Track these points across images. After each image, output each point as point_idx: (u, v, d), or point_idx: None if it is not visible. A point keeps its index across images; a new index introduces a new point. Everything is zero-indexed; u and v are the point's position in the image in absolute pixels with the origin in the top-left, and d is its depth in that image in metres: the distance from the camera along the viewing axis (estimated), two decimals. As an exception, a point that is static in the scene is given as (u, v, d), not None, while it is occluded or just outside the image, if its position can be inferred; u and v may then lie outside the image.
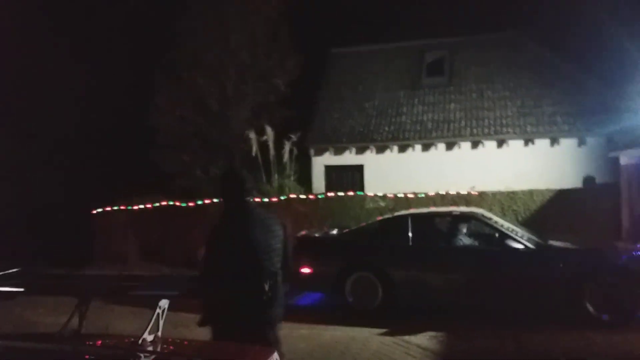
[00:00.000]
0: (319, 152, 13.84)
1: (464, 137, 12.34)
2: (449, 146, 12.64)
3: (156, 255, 11.54)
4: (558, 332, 5.18)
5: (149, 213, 12.44)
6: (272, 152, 13.38)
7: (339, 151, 13.67)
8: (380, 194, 10.71)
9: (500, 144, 12.20)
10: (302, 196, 11.22)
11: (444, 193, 10.42)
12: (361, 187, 13.07)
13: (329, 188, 13.28)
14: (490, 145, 12.31)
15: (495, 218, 6.19)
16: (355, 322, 5.83)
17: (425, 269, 5.81)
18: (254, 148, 13.34)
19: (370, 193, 11.07)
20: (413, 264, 5.89)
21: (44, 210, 15.33)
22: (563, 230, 8.58)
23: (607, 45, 12.92)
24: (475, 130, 12.31)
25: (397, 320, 5.86)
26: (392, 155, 13.12)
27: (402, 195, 10.57)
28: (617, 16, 12.07)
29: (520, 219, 9.86)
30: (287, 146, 13.41)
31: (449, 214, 6.56)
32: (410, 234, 6.00)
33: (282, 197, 11.18)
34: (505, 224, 5.97)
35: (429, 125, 12.97)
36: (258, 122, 14.62)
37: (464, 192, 10.34)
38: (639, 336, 4.99)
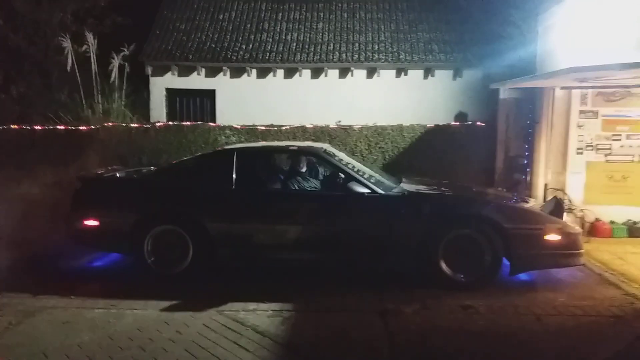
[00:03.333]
0: (159, 72, 11.65)
1: (331, 63, 11.08)
2: (315, 73, 11.34)
3: None
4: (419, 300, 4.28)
5: None
6: (94, 67, 10.80)
7: (185, 71, 11.61)
8: (233, 125, 9.03)
9: (371, 73, 11.19)
10: (127, 125, 9.08)
11: (306, 126, 9.10)
12: (213, 117, 11.39)
13: (172, 117, 11.37)
14: (360, 74, 11.27)
15: (342, 156, 5.31)
16: (166, 294, 4.43)
17: (250, 219, 4.78)
18: (70, 61, 10.62)
19: (220, 123, 9.34)
20: (235, 213, 4.81)
21: None
22: (432, 172, 7.93)
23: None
24: (344, 56, 11.11)
25: (218, 288, 4.63)
26: (249, 80, 11.46)
27: (256, 127, 9.01)
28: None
29: (387, 157, 9.00)
30: (115, 61, 10.94)
31: (285, 149, 5.66)
32: (234, 175, 4.88)
33: (99, 126, 8.92)
34: (352, 164, 5.13)
35: (293, 46, 11.42)
36: (80, 30, 11.81)
37: (329, 126, 9.13)
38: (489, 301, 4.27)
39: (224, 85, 11.54)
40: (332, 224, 4.68)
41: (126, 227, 4.78)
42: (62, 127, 8.79)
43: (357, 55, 10.98)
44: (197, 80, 11.61)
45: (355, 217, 4.66)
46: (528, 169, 7.53)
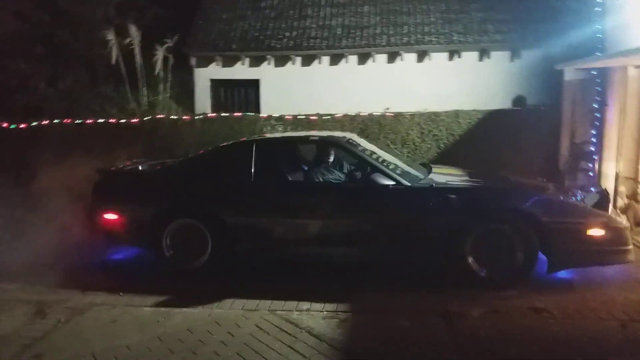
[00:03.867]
0: (203, 63, 11.59)
1: (379, 47, 10.69)
2: (362, 59, 10.99)
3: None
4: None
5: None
6: (138, 59, 10.87)
7: (229, 61, 11.51)
8: (279, 114, 8.88)
9: (422, 56, 10.74)
10: (174, 117, 9.08)
11: (353, 114, 8.85)
12: (257, 108, 11.26)
13: (216, 108, 11.31)
14: (409, 58, 10.82)
15: (367, 146, 5.06)
16: (212, 290, 4.35)
17: (269, 212, 4.65)
18: (114, 54, 10.73)
19: (265, 114, 9.21)
20: (254, 207, 4.70)
21: None
22: (490, 161, 7.53)
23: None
24: (392, 39, 10.70)
25: (262, 285, 4.51)
26: (294, 68, 11.23)
27: (303, 117, 8.84)
28: None
29: (442, 145, 8.64)
30: (159, 53, 10.98)
31: (305, 139, 5.55)
32: (253, 167, 4.76)
33: (145, 119, 8.97)
34: (378, 154, 4.88)
35: (339, 31, 11.11)
36: (122, 23, 11.91)
37: (377, 113, 8.84)
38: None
39: (268, 75, 11.38)
40: (355, 218, 4.51)
41: (145, 221, 4.75)
42: (110, 121, 8.86)
43: (406, 38, 10.57)
44: (241, 70, 11.49)
45: (379, 210, 4.46)
46: (596, 157, 6.99)
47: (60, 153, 8.29)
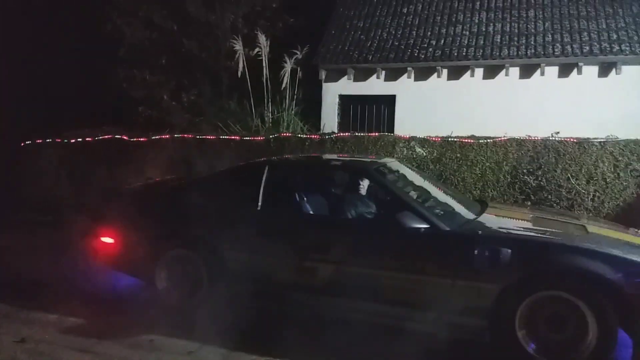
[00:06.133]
0: (333, 77, 10.82)
1: (551, 58, 9.14)
2: (526, 71, 9.51)
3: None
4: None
5: (90, 148, 9.79)
6: (265, 72, 10.34)
7: (361, 75, 10.62)
8: (420, 135, 7.72)
9: (607, 69, 9.00)
10: (301, 136, 8.28)
11: (521, 138, 7.41)
12: (390, 127, 10.22)
13: (344, 126, 10.47)
14: (589, 72, 9.14)
15: (407, 176, 4.54)
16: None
17: (272, 249, 4.13)
18: (241, 65, 10.29)
19: (400, 134, 8.09)
20: (256, 241, 4.18)
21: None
22: None
23: None
24: (568, 48, 9.06)
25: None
26: (438, 82, 10.03)
27: (454, 139, 7.56)
28: None
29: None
30: (288, 65, 10.37)
31: (325, 164, 5.04)
32: (261, 193, 4.28)
33: (272, 137, 8.28)
34: (417, 188, 4.34)
35: (497, 39, 9.72)
36: (251, 33, 11.58)
37: (554, 137, 7.33)
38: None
39: (406, 90, 10.30)
40: (374, 266, 3.80)
41: (139, 247, 4.49)
42: (233, 138, 8.33)
43: (587, 47, 8.89)
44: (374, 85, 10.54)
45: (404, 260, 3.76)
46: None
47: (178, 170, 7.88)
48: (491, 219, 4.10)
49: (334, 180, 4.85)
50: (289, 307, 4.24)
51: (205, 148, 8.51)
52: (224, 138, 8.54)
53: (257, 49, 10.51)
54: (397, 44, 10.36)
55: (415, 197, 4.07)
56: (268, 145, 8.29)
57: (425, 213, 3.76)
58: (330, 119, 10.80)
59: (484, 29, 9.99)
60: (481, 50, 9.57)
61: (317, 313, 4.15)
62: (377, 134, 8.06)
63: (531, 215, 4.40)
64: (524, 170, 7.25)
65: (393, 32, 10.68)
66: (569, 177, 7.03)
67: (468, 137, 7.58)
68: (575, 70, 9.09)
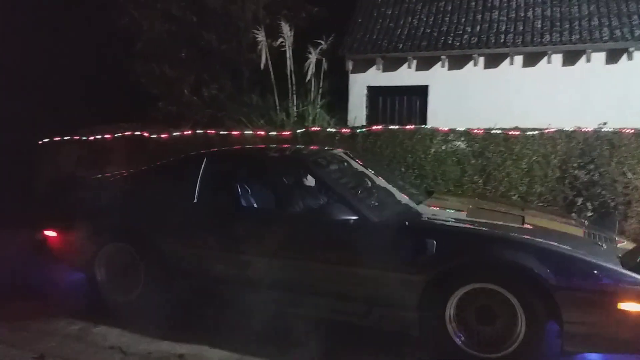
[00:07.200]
0: (361, 67, 10.48)
1: (598, 43, 8.68)
2: (570, 58, 9.07)
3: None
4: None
5: (108, 145, 9.57)
6: (290, 63, 10.01)
7: (391, 65, 10.26)
8: (460, 128, 7.34)
9: (661, 55, 8.47)
10: (331, 130, 7.95)
11: (570, 130, 7.00)
12: (422, 119, 9.84)
13: (372, 119, 10.15)
14: None
15: (353, 165, 4.67)
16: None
17: (206, 242, 4.15)
18: (264, 57, 9.98)
19: (440, 127, 7.71)
20: (192, 234, 4.21)
21: None
22: None
23: None
24: (617, 32, 8.57)
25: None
26: (474, 71, 9.64)
27: (498, 131, 7.16)
28: None
29: None
30: (312, 56, 10.03)
31: (261, 155, 5.01)
32: (198, 185, 4.33)
33: (299, 131, 7.98)
34: (361, 180, 4.43)
35: (538, 24, 9.26)
36: (273, 23, 11.26)
37: (606, 129, 6.90)
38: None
39: (439, 80, 9.93)
40: (306, 258, 3.82)
41: (79, 241, 4.52)
42: (258, 133, 8.02)
43: (638, 31, 8.41)
44: (405, 76, 10.18)
45: (334, 252, 3.75)
46: None
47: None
48: (426, 210, 4.15)
49: (272, 172, 4.85)
50: (223, 300, 4.26)
51: (229, 144, 8.22)
52: (249, 133, 8.25)
53: (280, 40, 10.20)
54: (429, 31, 9.98)
55: (350, 189, 4.08)
56: (295, 140, 7.98)
57: (355, 204, 3.74)
58: (358, 112, 10.49)
59: (522, 14, 9.56)
60: (521, 37, 9.14)
61: (250, 306, 4.12)
62: (413, 127, 7.67)
63: (471, 206, 4.43)
64: (574, 165, 6.83)
65: (424, 19, 10.30)
66: (624, 171, 6.58)
67: (513, 129, 7.18)
68: (624, 56, 8.61)
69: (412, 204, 4.17)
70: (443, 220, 4.01)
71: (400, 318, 3.56)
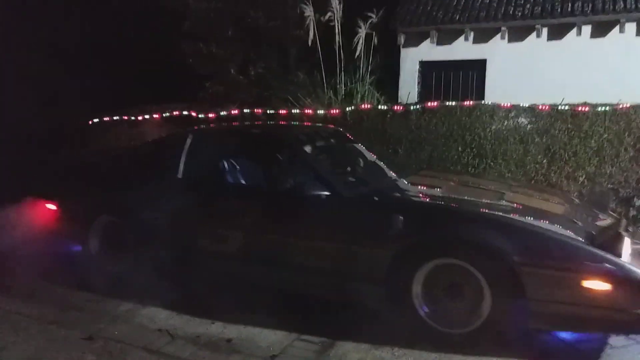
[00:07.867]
0: (413, 41, 10.09)
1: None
2: (645, 27, 8.34)
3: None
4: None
5: (159, 125, 9.67)
6: (338, 39, 9.71)
7: (446, 38, 9.82)
8: (524, 104, 6.92)
9: None
10: (382, 107, 7.67)
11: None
12: (480, 95, 9.39)
13: (424, 96, 9.79)
14: None
15: (340, 142, 5.00)
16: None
17: (189, 217, 4.37)
18: (311, 33, 9.72)
19: (502, 103, 7.30)
20: (176, 208, 4.39)
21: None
22: None
23: None
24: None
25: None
26: (536, 43, 9.12)
27: (564, 108, 6.70)
28: None
29: None
30: (362, 31, 9.69)
31: (246, 132, 5.31)
32: (183, 162, 4.61)
33: (348, 109, 7.74)
34: (343, 157, 4.74)
35: (608, -9, 8.61)
36: (320, -1, 10.97)
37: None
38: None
39: (498, 53, 9.45)
40: (281, 233, 4.01)
41: (76, 214, 4.89)
42: (306, 111, 7.85)
43: None
44: (460, 49, 9.73)
45: (308, 227, 3.92)
46: None
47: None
48: (404, 186, 4.22)
49: (254, 148, 4.90)
50: (206, 273, 4.42)
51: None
52: (297, 112, 8.06)
53: (328, 14, 9.90)
54: (487, 1, 9.46)
55: (327, 166, 4.26)
56: (345, 119, 7.74)
57: (328, 180, 3.89)
58: (409, 88, 10.12)
59: (591, -19, 8.90)
60: (590, 5, 8.51)
61: (230, 279, 4.30)
62: (471, 103, 7.28)
63: (452, 183, 4.51)
64: (651, 143, 6.32)
65: (482, -12, 9.76)
66: None
67: (581, 105, 6.69)
68: None
69: (393, 180, 4.32)
70: (413, 195, 4.16)
71: (369, 292, 3.63)
